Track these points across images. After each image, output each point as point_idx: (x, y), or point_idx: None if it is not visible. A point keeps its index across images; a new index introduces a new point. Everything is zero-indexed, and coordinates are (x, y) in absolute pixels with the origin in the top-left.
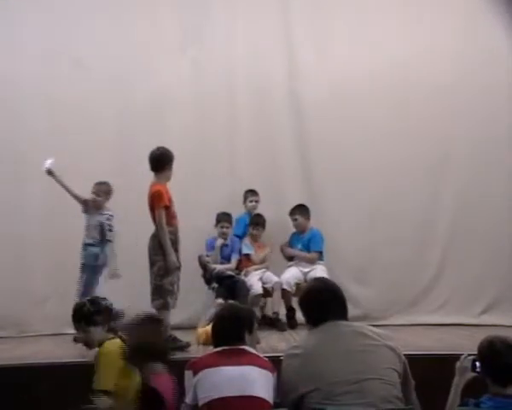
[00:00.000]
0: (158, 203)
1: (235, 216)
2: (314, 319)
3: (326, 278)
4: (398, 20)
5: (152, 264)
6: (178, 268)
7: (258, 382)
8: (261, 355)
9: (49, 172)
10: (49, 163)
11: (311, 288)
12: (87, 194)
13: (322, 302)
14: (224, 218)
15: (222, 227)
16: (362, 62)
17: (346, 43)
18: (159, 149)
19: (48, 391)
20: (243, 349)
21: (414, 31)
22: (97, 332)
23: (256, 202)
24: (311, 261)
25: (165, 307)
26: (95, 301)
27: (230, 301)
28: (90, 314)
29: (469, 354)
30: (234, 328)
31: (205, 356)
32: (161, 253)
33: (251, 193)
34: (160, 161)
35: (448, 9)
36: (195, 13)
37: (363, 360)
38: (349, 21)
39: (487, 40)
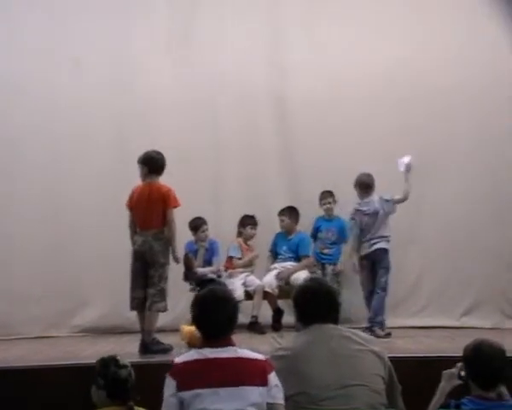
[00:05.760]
0: (174, 202)
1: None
2: (306, 318)
3: (323, 279)
4: (397, 19)
5: (160, 266)
6: None
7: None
8: (255, 357)
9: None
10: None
11: (307, 287)
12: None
13: (317, 303)
14: (202, 222)
15: (203, 231)
16: (355, 64)
17: (337, 45)
18: (159, 153)
19: (32, 394)
20: (238, 358)
21: (413, 31)
22: (96, 395)
23: (329, 203)
24: (310, 267)
25: (165, 309)
26: (105, 364)
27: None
28: (95, 373)
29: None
30: (223, 317)
31: (192, 363)
32: (168, 255)
33: (324, 195)
34: (162, 165)
35: (449, 9)
36: (182, 14)
37: (349, 365)
38: (341, 22)
39: (488, 40)
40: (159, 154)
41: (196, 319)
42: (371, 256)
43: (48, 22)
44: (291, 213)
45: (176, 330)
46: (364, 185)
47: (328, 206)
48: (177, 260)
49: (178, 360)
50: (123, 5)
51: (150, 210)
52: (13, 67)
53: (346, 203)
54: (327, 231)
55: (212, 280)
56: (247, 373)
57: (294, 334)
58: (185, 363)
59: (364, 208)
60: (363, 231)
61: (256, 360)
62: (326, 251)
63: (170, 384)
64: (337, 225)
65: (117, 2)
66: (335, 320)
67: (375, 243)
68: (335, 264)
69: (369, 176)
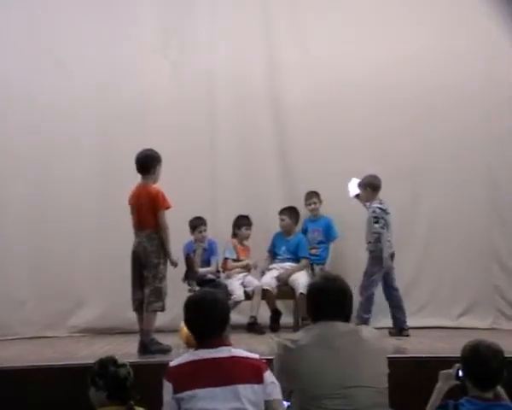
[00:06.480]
0: (163, 204)
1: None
2: (315, 314)
3: (339, 276)
4: (397, 19)
5: (153, 266)
6: None
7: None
8: (249, 356)
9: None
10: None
11: (319, 283)
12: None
13: (326, 300)
14: (200, 222)
15: (200, 232)
16: (354, 65)
17: (336, 45)
18: (146, 150)
19: (29, 394)
20: (232, 357)
21: (413, 31)
22: (95, 396)
23: (314, 203)
24: (307, 268)
25: (163, 309)
26: (104, 364)
27: (205, 289)
28: (93, 374)
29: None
30: (215, 318)
31: (186, 365)
32: (162, 255)
33: (309, 195)
34: (149, 163)
35: (449, 9)
36: (176, 14)
37: (353, 364)
38: (341, 22)
39: (488, 40)
40: (144, 151)
41: (188, 321)
42: (392, 256)
43: (33, 22)
44: (291, 213)
45: (174, 331)
46: (375, 187)
47: (314, 206)
48: (173, 262)
49: (173, 363)
50: (115, 5)
51: (142, 212)
52: (5, 66)
53: (346, 204)
54: (313, 232)
55: (211, 280)
56: (242, 372)
57: (304, 328)
58: (179, 366)
59: (386, 207)
60: (387, 231)
61: (250, 358)
62: (313, 251)
63: (167, 388)
64: (323, 224)
65: (110, 2)
66: (347, 318)
67: (392, 244)
68: (323, 264)
69: (377, 178)
